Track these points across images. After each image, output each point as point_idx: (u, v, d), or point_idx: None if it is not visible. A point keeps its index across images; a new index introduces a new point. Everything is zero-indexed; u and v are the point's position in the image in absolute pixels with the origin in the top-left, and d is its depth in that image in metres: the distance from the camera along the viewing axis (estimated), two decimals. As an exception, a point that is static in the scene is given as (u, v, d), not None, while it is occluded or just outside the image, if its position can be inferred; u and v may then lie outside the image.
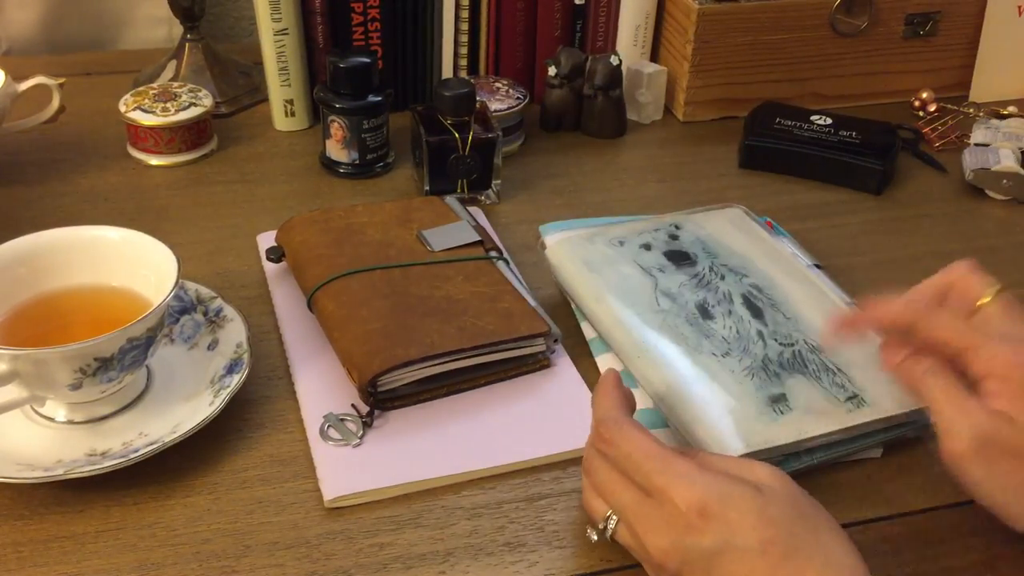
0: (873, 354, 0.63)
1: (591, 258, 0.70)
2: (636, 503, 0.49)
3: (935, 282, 0.56)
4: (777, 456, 0.57)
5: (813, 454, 0.58)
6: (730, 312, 0.66)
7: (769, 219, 0.79)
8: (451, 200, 0.77)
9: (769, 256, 0.71)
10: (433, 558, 0.54)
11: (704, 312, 0.65)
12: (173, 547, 0.54)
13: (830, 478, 0.59)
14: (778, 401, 0.59)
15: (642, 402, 0.62)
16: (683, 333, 0.64)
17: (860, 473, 0.59)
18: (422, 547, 0.54)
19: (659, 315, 0.65)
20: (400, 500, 0.57)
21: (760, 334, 0.64)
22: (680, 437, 0.59)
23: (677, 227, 0.74)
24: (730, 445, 0.56)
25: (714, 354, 0.62)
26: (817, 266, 0.72)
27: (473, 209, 0.80)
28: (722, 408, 0.59)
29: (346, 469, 0.58)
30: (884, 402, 0.59)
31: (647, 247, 0.71)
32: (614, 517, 0.50)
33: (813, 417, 0.58)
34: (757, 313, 0.66)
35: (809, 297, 0.67)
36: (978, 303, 0.54)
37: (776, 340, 0.63)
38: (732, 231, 0.74)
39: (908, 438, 0.61)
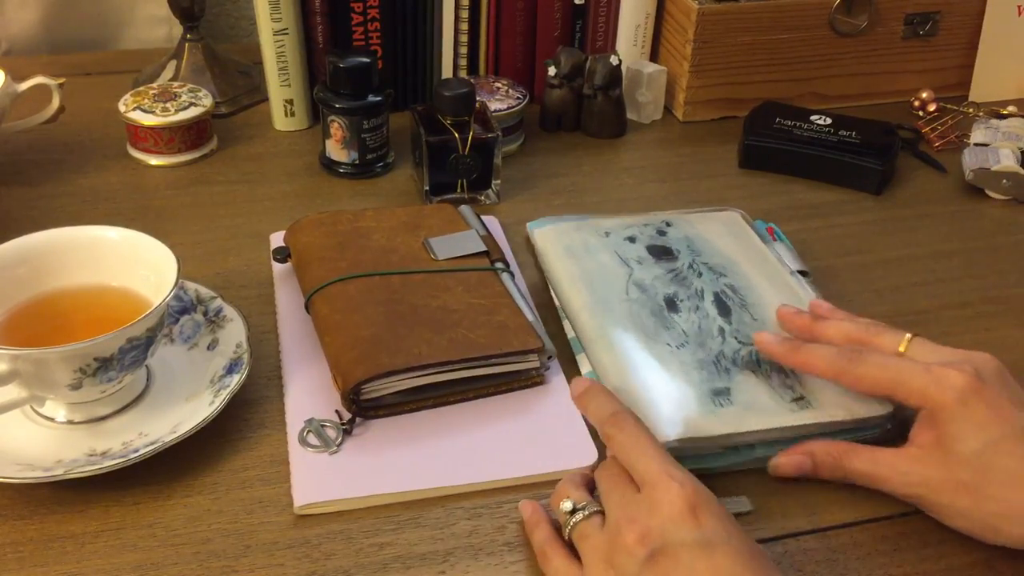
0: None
1: (572, 244, 0.72)
2: (631, 493, 0.50)
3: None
4: (714, 448, 0.58)
5: (754, 450, 0.59)
6: (697, 308, 0.67)
7: (771, 225, 0.78)
8: (464, 209, 0.76)
9: (754, 260, 0.72)
10: (433, 558, 0.54)
11: (671, 305, 0.67)
12: (173, 547, 0.54)
13: (830, 478, 0.59)
14: (720, 394, 0.60)
15: None
16: (644, 323, 0.65)
17: (860, 473, 0.59)
18: (422, 547, 0.54)
19: (625, 304, 0.66)
20: (400, 500, 0.57)
21: (722, 331, 0.65)
22: None
23: (668, 224, 0.75)
24: (662, 431, 0.57)
25: (669, 344, 0.63)
26: (803, 272, 0.72)
27: (488, 218, 0.79)
28: (662, 395, 0.60)
29: (319, 476, 0.57)
30: (831, 408, 0.60)
31: (632, 239, 0.73)
32: (586, 509, 0.51)
33: (753, 413, 0.59)
34: (725, 311, 0.66)
35: (783, 303, 0.67)
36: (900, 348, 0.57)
37: (736, 338, 0.64)
38: (723, 233, 0.74)
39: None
